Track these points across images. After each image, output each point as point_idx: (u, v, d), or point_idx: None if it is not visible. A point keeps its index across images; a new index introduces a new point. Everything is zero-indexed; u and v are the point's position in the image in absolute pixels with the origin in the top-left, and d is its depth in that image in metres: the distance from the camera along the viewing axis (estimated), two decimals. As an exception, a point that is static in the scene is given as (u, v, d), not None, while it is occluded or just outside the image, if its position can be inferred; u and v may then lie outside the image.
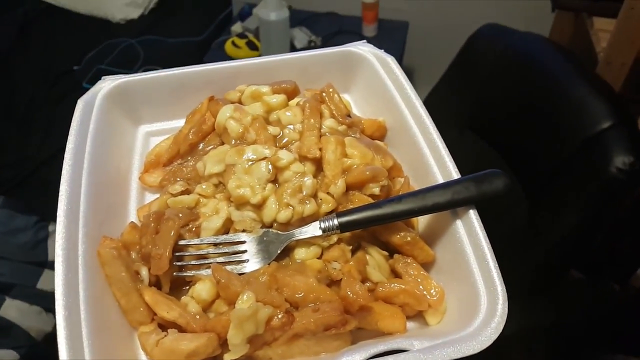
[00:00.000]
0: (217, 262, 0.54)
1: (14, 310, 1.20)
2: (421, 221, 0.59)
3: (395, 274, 0.55)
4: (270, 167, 0.58)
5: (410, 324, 0.53)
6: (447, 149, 0.59)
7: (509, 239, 1.00)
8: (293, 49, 1.88)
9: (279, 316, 0.47)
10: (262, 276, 0.52)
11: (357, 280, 0.50)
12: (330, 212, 0.56)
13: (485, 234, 0.51)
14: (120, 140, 0.70)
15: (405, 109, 0.65)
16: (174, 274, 0.55)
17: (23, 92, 1.90)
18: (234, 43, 1.98)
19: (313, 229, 0.54)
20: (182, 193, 0.62)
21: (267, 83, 0.69)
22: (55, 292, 0.47)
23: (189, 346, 0.46)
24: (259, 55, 0.88)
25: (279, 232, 0.55)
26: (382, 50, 0.73)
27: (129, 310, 0.52)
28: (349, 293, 0.49)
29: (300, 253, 0.55)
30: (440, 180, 0.57)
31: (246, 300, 0.48)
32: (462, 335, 0.46)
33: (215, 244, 0.56)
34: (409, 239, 0.55)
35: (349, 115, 0.68)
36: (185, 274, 0.55)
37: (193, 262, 0.55)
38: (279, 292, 0.50)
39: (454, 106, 1.20)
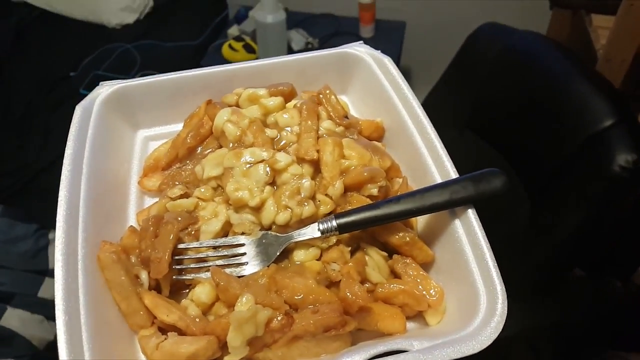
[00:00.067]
0: (217, 265, 0.54)
1: (16, 319, 1.20)
2: (420, 221, 0.59)
3: (394, 275, 0.55)
4: (268, 169, 0.58)
5: (410, 325, 0.53)
6: (444, 149, 0.59)
7: (511, 239, 1.00)
8: (290, 51, 1.88)
9: (279, 318, 0.47)
10: (261, 278, 0.52)
11: (356, 281, 0.50)
12: (329, 214, 0.56)
13: (484, 234, 0.51)
14: (119, 145, 0.70)
15: (403, 109, 0.65)
16: (174, 277, 0.55)
17: (20, 99, 1.89)
18: (230, 46, 1.98)
19: (312, 231, 0.54)
20: (181, 197, 0.62)
21: (264, 86, 0.69)
22: (55, 296, 0.48)
23: (189, 349, 0.46)
24: (256, 58, 0.88)
25: (277, 234, 0.55)
26: (379, 51, 0.73)
27: (129, 314, 0.52)
28: (348, 294, 0.49)
29: (299, 255, 0.55)
30: (439, 180, 0.57)
31: (245, 303, 0.48)
32: (461, 335, 0.46)
33: (215, 247, 0.56)
34: (407, 239, 0.55)
35: (346, 117, 0.68)
36: (184, 277, 0.55)
37: (192, 266, 0.55)
38: (278, 294, 0.50)
39: (453, 106, 1.20)
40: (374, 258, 0.55)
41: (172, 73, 0.73)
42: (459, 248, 0.52)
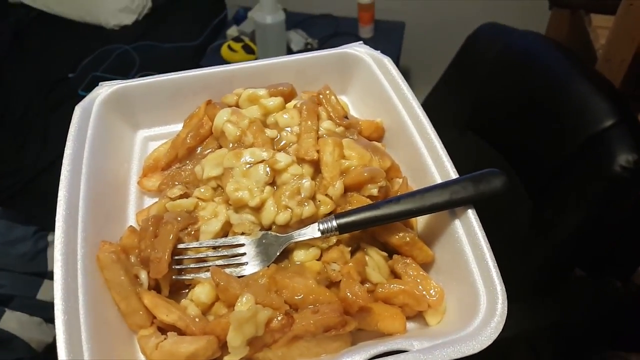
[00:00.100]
0: (216, 265, 0.54)
1: (15, 321, 1.20)
2: (420, 221, 0.59)
3: (394, 275, 0.55)
4: (268, 169, 0.58)
5: (410, 325, 0.53)
6: (444, 149, 0.59)
7: (512, 240, 1.00)
8: (289, 51, 1.88)
9: (279, 318, 0.47)
10: (261, 278, 0.52)
11: (356, 281, 0.50)
12: (329, 214, 0.56)
13: (484, 234, 0.51)
14: (119, 145, 0.70)
15: (403, 109, 0.65)
16: (173, 277, 0.55)
17: (18, 101, 1.89)
18: (230, 47, 1.98)
19: (312, 231, 0.54)
20: (181, 197, 0.62)
21: (263, 86, 0.69)
22: (55, 296, 0.47)
23: (188, 349, 0.46)
24: (256, 59, 0.87)
25: (277, 234, 0.55)
26: (379, 51, 0.73)
27: (128, 313, 0.52)
28: (348, 294, 0.49)
29: (299, 255, 0.55)
30: (439, 181, 0.57)
31: (245, 303, 0.48)
32: (461, 335, 0.46)
33: (214, 247, 0.56)
34: (408, 239, 0.55)
35: (346, 117, 0.68)
36: (184, 277, 0.55)
37: (192, 266, 0.55)
38: (278, 294, 0.50)
39: (453, 106, 1.20)
40: (374, 258, 0.55)
41: (172, 73, 0.73)
42: (459, 248, 0.52)
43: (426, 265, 0.56)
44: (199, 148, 0.68)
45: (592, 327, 1.15)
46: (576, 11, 1.59)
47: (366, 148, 0.62)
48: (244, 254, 0.55)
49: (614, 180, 0.84)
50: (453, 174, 0.57)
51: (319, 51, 0.76)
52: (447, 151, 0.60)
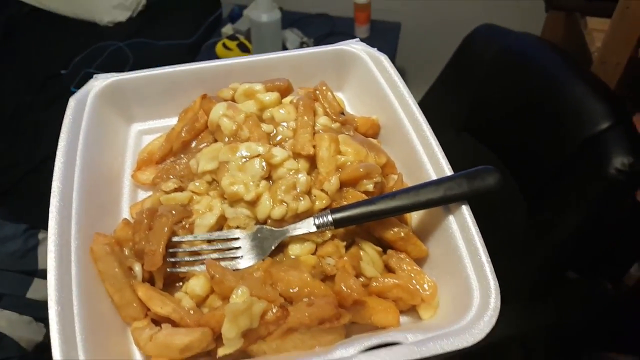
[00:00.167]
0: (211, 259, 0.54)
1: (4, 320, 1.18)
2: (414, 217, 0.60)
3: (388, 270, 0.56)
4: (264, 164, 0.58)
5: (403, 319, 0.53)
6: (440, 146, 0.60)
7: (509, 243, 1.00)
8: (285, 50, 1.88)
9: (274, 310, 0.48)
10: (257, 272, 0.52)
11: (351, 275, 0.51)
12: (324, 209, 0.56)
13: (478, 229, 0.52)
14: (113, 138, 0.70)
15: (399, 106, 0.66)
16: (168, 270, 0.54)
17: (9, 98, 1.86)
18: (224, 45, 1.97)
19: (307, 225, 0.54)
20: (175, 190, 0.62)
21: (260, 82, 0.69)
22: (48, 286, 0.47)
23: (183, 340, 0.46)
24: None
25: (273, 228, 0.55)
26: (375, 49, 0.73)
27: (122, 305, 0.52)
28: (343, 287, 0.49)
29: (294, 249, 0.55)
30: (433, 177, 0.58)
31: (240, 295, 0.48)
32: (455, 329, 0.46)
33: (209, 241, 0.56)
34: (402, 234, 0.55)
35: (342, 113, 0.68)
36: (178, 269, 0.55)
37: (187, 259, 0.55)
38: (273, 287, 0.50)
39: (450, 108, 1.20)
40: (369, 253, 0.55)
41: (167, 67, 0.73)
42: (452, 244, 0.53)
43: (420, 260, 0.56)
44: (194, 142, 0.68)
45: (585, 328, 1.16)
46: (571, 14, 1.60)
47: (362, 144, 0.62)
48: (239, 247, 0.55)
49: (610, 183, 0.85)
50: (448, 171, 0.57)
51: (315, 47, 0.76)
52: (443, 151, 0.60)
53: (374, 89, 0.70)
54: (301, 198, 0.56)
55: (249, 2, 1.89)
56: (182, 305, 0.51)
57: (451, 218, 0.54)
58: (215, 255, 0.55)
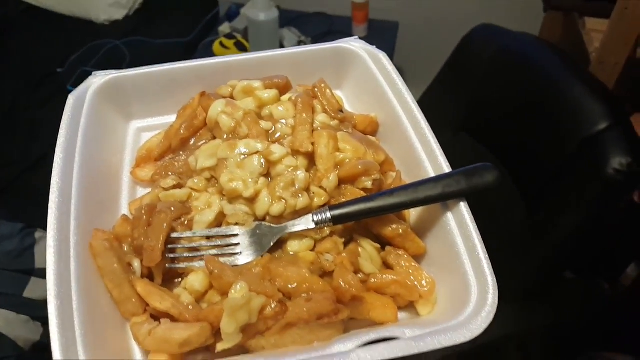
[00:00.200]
0: (210, 255, 0.54)
1: (1, 319, 1.18)
2: (412, 214, 0.60)
3: (387, 266, 0.56)
4: (262, 161, 0.58)
5: (401, 315, 0.53)
6: (438, 144, 0.60)
7: (507, 243, 1.00)
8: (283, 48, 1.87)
9: (272, 306, 0.48)
10: (255, 267, 0.52)
11: (349, 270, 0.51)
12: (323, 206, 0.56)
13: (476, 226, 0.52)
14: (112, 135, 0.70)
15: (397, 104, 0.66)
16: (167, 265, 0.55)
17: (5, 96, 1.85)
18: (222, 44, 1.97)
19: (306, 222, 0.54)
20: (174, 187, 0.62)
21: (258, 79, 0.69)
22: (47, 282, 0.47)
23: (182, 335, 0.46)
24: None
25: (271, 225, 0.56)
26: (374, 46, 0.73)
27: (121, 301, 0.52)
28: (341, 283, 0.49)
29: (293, 245, 0.55)
30: (432, 175, 0.58)
31: (239, 290, 0.48)
32: (453, 324, 0.46)
33: (208, 237, 0.56)
34: (400, 231, 0.55)
35: (341, 111, 0.68)
36: (177, 265, 0.55)
37: (186, 255, 0.55)
38: (272, 282, 0.50)
39: (448, 108, 1.20)
40: (367, 249, 0.56)
41: (166, 64, 0.73)
42: (450, 240, 0.53)
43: (418, 257, 0.57)
44: (193, 139, 0.68)
45: (582, 328, 1.17)
46: (570, 14, 1.60)
47: (361, 142, 0.63)
48: (238, 244, 0.55)
49: (608, 183, 0.85)
50: (446, 169, 0.58)
51: (314, 45, 0.76)
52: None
53: (373, 86, 0.70)
54: (300, 195, 0.56)
55: (247, 0, 1.89)
56: (181, 300, 0.51)
57: (449, 215, 0.54)
58: (214, 252, 0.55)
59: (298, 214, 0.56)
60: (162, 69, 0.72)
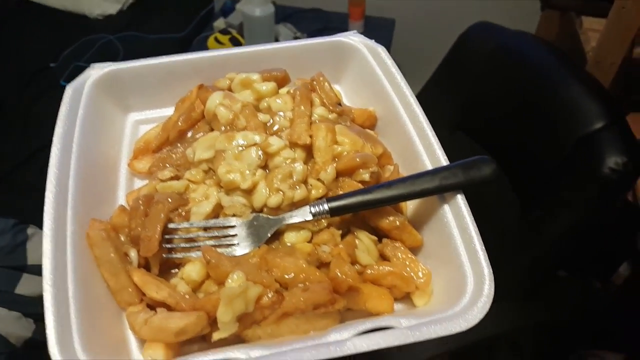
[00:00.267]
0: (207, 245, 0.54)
1: None
2: (409, 206, 0.60)
3: (383, 258, 0.56)
4: (260, 153, 0.58)
5: (397, 306, 0.54)
6: (436, 137, 0.60)
7: (501, 241, 1.00)
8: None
9: (269, 295, 0.48)
10: (252, 258, 0.52)
11: (346, 261, 0.51)
12: (321, 198, 0.57)
13: (473, 218, 0.52)
14: (109, 127, 0.70)
15: (396, 98, 0.66)
16: (164, 256, 0.55)
17: (-3, 91, 1.85)
18: (216, 39, 1.96)
19: (303, 213, 0.55)
20: (172, 179, 0.62)
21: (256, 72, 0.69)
22: (43, 270, 0.47)
23: (178, 324, 0.46)
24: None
25: (269, 216, 0.56)
26: (373, 41, 0.74)
27: (117, 290, 0.52)
28: (338, 273, 0.49)
29: (290, 237, 0.55)
30: (430, 168, 0.58)
31: (236, 280, 0.49)
32: (449, 314, 0.46)
33: (205, 228, 0.56)
34: (397, 223, 0.56)
35: (339, 104, 0.68)
36: (174, 256, 0.55)
37: (183, 245, 0.55)
38: (268, 272, 0.51)
39: (444, 106, 1.20)
40: (364, 241, 0.56)
41: (164, 57, 0.73)
42: (447, 232, 0.53)
43: (415, 249, 0.57)
44: (191, 131, 0.68)
45: (574, 326, 1.17)
46: (566, 13, 1.61)
47: (359, 134, 0.63)
48: (235, 235, 0.56)
49: (603, 182, 0.85)
50: (444, 162, 0.58)
51: (313, 39, 0.76)
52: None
53: (371, 80, 0.70)
54: (297, 187, 0.56)
55: (242, -4, 1.88)
56: (178, 290, 0.51)
57: (446, 207, 0.55)
58: (211, 242, 0.55)
59: (295, 205, 0.56)
60: (160, 62, 0.72)
